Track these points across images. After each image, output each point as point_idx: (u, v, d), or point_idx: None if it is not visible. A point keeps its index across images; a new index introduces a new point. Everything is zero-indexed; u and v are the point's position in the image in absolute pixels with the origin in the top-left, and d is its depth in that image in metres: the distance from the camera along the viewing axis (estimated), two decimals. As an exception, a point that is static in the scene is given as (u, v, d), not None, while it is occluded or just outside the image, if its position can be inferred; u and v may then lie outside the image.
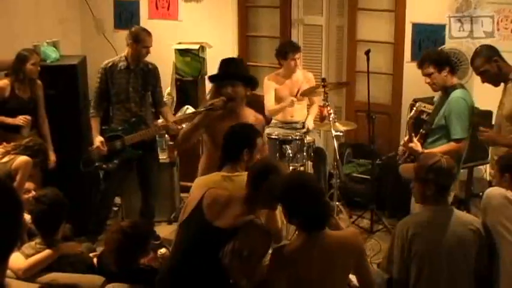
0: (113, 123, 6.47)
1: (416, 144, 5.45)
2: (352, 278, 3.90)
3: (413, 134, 5.51)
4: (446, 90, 5.56)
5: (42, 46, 7.00)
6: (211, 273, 3.87)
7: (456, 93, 5.48)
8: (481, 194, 6.20)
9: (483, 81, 5.51)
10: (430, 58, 5.59)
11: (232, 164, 4.44)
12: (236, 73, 5.38)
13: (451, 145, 5.42)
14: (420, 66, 5.63)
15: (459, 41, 6.94)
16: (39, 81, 6.44)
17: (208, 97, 5.64)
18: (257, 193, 3.97)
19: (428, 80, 5.58)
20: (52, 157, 6.37)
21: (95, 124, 6.40)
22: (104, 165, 6.39)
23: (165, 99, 7.73)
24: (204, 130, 5.35)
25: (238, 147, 4.50)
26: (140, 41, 6.30)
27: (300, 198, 3.64)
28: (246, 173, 4.34)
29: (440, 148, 5.34)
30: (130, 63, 6.36)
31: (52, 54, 6.99)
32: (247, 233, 3.87)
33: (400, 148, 5.89)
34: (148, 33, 6.40)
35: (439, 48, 6.85)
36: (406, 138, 5.62)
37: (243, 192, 4.02)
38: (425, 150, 5.33)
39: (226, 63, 5.53)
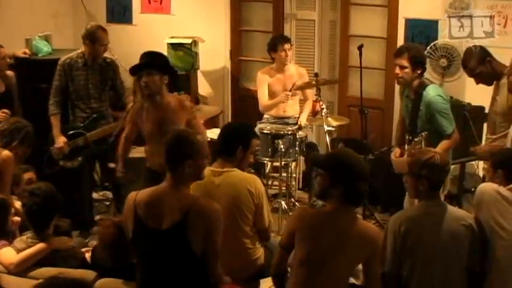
0: (73, 120, 6.47)
1: None
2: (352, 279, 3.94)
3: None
4: (417, 90, 5.53)
5: (34, 40, 6.98)
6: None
7: (429, 93, 5.46)
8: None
9: (477, 83, 5.54)
10: (410, 52, 5.54)
11: (224, 159, 4.51)
12: (150, 62, 5.49)
13: (446, 142, 5.44)
14: (397, 55, 5.59)
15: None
16: (10, 72, 6.39)
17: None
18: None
19: (398, 71, 5.54)
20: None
21: (55, 122, 6.37)
22: (67, 163, 6.39)
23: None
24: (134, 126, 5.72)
25: (233, 143, 4.54)
26: (97, 40, 6.30)
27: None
28: (236, 169, 4.43)
29: (440, 149, 5.22)
30: (87, 60, 6.35)
31: (44, 48, 6.98)
32: None
33: (393, 154, 5.89)
34: (104, 31, 6.40)
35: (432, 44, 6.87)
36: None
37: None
38: None
39: (145, 55, 5.64)
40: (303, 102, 7.43)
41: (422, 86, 5.53)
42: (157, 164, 5.30)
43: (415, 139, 5.38)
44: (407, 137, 5.58)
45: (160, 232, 3.76)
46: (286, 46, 7.10)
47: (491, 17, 6.80)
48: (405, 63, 5.50)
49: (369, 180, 3.84)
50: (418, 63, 5.53)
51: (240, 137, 4.59)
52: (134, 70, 5.50)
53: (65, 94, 6.39)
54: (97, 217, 6.99)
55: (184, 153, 3.84)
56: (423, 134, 5.32)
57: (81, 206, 6.61)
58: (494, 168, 4.34)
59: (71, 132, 6.36)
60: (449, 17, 6.95)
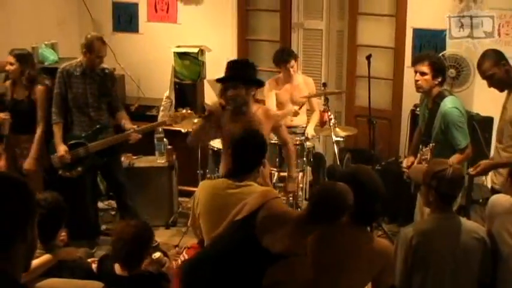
0: (73, 129, 6.44)
1: None
2: None
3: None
4: (435, 100, 5.51)
5: (41, 48, 6.96)
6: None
7: (446, 104, 5.44)
8: (481, 200, 6.20)
9: (489, 86, 5.47)
10: (430, 59, 5.55)
11: (243, 174, 4.36)
12: (237, 75, 5.39)
13: (458, 157, 5.37)
14: (418, 61, 5.59)
15: (459, 41, 6.89)
16: (40, 86, 6.37)
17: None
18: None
19: (418, 77, 5.51)
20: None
21: (57, 131, 6.34)
22: (67, 173, 6.36)
23: (163, 103, 7.73)
24: (215, 131, 5.51)
25: (255, 160, 4.45)
26: (93, 50, 6.25)
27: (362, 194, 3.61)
28: (254, 184, 4.31)
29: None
30: (85, 69, 6.32)
31: (50, 56, 6.96)
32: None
33: (405, 162, 5.86)
34: (103, 42, 6.34)
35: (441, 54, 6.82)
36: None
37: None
38: None
39: (231, 65, 5.54)
40: (310, 112, 7.39)
41: (441, 96, 5.50)
42: None
43: (423, 149, 5.35)
44: (420, 147, 5.55)
45: None
46: (291, 64, 7.05)
47: (491, 17, 6.75)
48: (426, 69, 5.48)
49: (381, 200, 3.75)
50: (439, 71, 5.51)
51: (261, 154, 4.51)
52: (220, 80, 5.50)
53: (66, 102, 6.37)
54: (103, 227, 6.97)
55: None
56: (431, 145, 5.27)
57: (87, 215, 6.57)
58: (509, 176, 4.28)
59: (73, 141, 6.33)
60: (450, 17, 6.91)
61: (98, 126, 6.34)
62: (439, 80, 5.51)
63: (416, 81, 5.55)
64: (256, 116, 5.41)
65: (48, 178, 6.39)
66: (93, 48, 6.24)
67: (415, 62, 5.69)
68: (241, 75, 5.41)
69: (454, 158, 5.30)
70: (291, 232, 3.49)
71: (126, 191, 6.65)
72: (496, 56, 5.42)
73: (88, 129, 6.36)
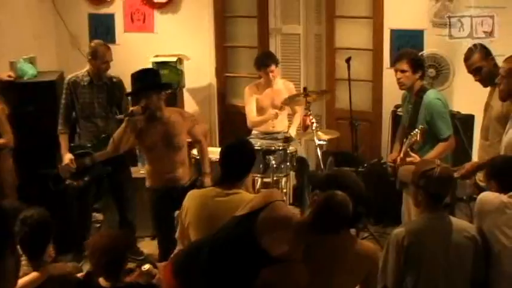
0: (80, 139, 6.45)
1: (414, 157, 5.42)
2: None
3: (409, 149, 5.47)
4: (418, 94, 5.71)
5: (19, 63, 6.89)
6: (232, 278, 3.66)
7: (429, 96, 5.65)
8: (464, 197, 6.24)
9: (476, 79, 5.54)
10: (408, 56, 5.76)
11: (232, 182, 4.32)
12: (146, 84, 5.71)
13: (443, 145, 5.62)
14: (397, 60, 5.80)
15: (458, 41, 6.91)
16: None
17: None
18: (315, 234, 3.59)
19: (399, 75, 5.72)
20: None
21: (63, 141, 6.36)
22: (74, 183, 6.33)
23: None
24: (133, 138, 5.78)
25: (244, 168, 4.44)
26: (98, 56, 6.28)
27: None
28: (243, 191, 4.28)
29: (435, 152, 5.56)
30: (93, 78, 6.34)
31: (29, 70, 6.88)
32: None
33: (390, 158, 5.99)
34: (107, 48, 6.38)
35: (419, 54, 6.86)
36: (401, 155, 5.60)
37: (300, 220, 3.75)
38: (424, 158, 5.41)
39: (138, 76, 5.83)
40: (291, 116, 7.40)
41: (424, 89, 5.73)
42: (164, 179, 5.73)
43: (412, 133, 5.46)
44: (404, 140, 5.63)
45: None
46: (271, 68, 7.07)
47: (492, 17, 6.78)
48: (405, 67, 5.68)
49: (364, 202, 3.77)
50: (418, 66, 5.73)
51: (250, 164, 4.49)
52: (132, 93, 5.77)
53: (73, 113, 6.41)
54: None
55: None
56: (420, 127, 5.41)
57: (82, 228, 6.55)
58: (488, 179, 4.34)
59: (79, 151, 6.32)
60: (449, 17, 6.93)
61: (104, 135, 6.30)
62: (420, 74, 5.73)
63: (398, 79, 5.74)
64: (171, 119, 5.76)
65: (53, 188, 6.34)
66: (98, 54, 6.28)
67: (394, 61, 5.90)
68: (151, 84, 5.74)
69: (439, 147, 5.59)
70: (291, 237, 3.49)
71: (129, 206, 6.64)
72: (484, 50, 5.52)
73: (95, 139, 6.35)
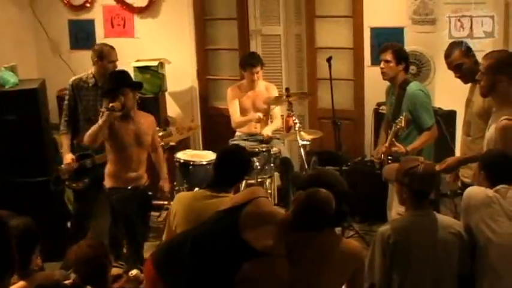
0: (82, 140, 6.39)
1: (399, 147, 5.63)
2: None
3: (394, 140, 5.64)
4: (401, 86, 5.90)
5: (1, 71, 6.86)
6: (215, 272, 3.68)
7: (412, 87, 5.87)
8: (448, 193, 6.26)
9: (456, 76, 5.56)
10: (393, 48, 5.99)
11: (223, 188, 4.35)
12: (123, 83, 5.84)
13: (426, 134, 5.83)
14: (382, 51, 6.02)
15: (438, 38, 6.91)
16: None
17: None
18: (296, 230, 3.62)
19: (383, 65, 5.94)
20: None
21: (65, 141, 6.46)
22: (73, 184, 6.35)
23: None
24: (107, 132, 5.81)
25: (237, 176, 4.49)
26: (105, 56, 6.39)
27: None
28: (231, 194, 4.30)
29: (419, 141, 5.77)
30: (98, 80, 6.40)
31: (11, 79, 6.83)
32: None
33: (375, 152, 6.03)
34: (112, 48, 6.49)
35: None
36: (386, 144, 5.75)
37: (283, 216, 3.77)
38: (408, 148, 5.65)
39: (114, 76, 6.02)
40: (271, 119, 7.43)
41: (407, 82, 5.93)
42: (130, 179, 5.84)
43: (396, 120, 5.61)
44: (389, 131, 5.78)
45: None
46: (256, 69, 7.10)
47: (492, 17, 6.80)
48: (389, 57, 5.90)
49: (347, 200, 3.79)
50: (402, 58, 5.93)
51: (245, 170, 4.55)
52: (110, 91, 5.78)
53: (75, 114, 6.47)
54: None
55: None
56: (404, 114, 5.60)
57: (80, 230, 6.47)
58: (479, 170, 4.34)
59: (80, 153, 6.36)
60: (449, 16, 6.95)
61: None
62: (403, 66, 5.93)
63: (382, 68, 5.95)
64: (141, 120, 5.94)
65: (53, 189, 6.42)
66: (104, 54, 6.39)
67: (380, 52, 6.09)
68: (129, 82, 5.92)
69: (423, 136, 5.81)
70: (274, 232, 3.54)
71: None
72: (465, 47, 5.57)
73: None
